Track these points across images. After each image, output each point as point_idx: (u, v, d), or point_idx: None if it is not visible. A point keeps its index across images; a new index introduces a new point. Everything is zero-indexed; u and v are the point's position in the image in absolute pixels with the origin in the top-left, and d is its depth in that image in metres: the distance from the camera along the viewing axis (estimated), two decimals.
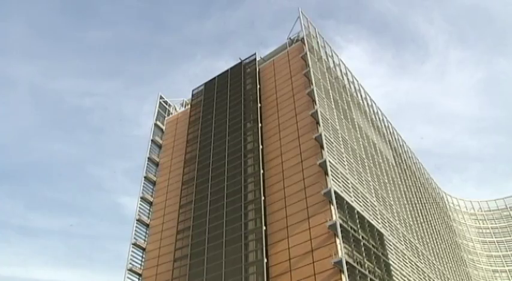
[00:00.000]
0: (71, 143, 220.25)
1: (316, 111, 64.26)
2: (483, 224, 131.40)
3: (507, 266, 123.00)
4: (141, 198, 77.50)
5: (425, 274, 75.78)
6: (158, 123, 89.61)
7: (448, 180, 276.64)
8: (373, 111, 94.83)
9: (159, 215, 75.18)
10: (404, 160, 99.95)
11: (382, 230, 65.24)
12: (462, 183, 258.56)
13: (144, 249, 71.99)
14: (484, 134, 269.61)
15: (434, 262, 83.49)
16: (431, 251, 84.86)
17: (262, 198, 61.27)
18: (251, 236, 59.30)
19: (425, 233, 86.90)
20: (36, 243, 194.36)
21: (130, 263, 69.54)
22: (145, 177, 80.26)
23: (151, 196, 78.69)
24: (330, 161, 58.51)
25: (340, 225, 52.58)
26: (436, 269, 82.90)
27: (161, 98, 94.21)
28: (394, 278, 61.82)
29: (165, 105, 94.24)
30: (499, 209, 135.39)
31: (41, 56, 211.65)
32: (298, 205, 58.03)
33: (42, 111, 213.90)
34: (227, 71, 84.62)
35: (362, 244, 56.71)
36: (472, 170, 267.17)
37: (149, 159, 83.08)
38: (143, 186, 79.27)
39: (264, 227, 58.38)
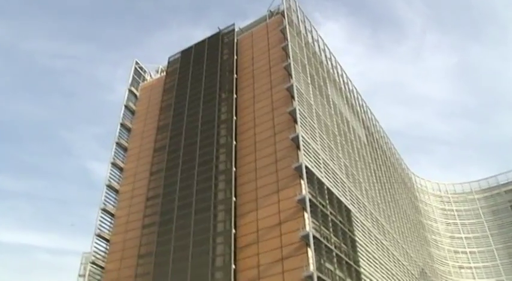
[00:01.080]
0: (41, 106, 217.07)
1: (292, 85, 64.25)
2: (448, 206, 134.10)
3: (468, 247, 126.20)
4: (112, 164, 76.98)
5: (390, 252, 77.38)
6: (132, 89, 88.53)
7: (416, 161, 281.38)
8: (349, 89, 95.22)
9: (129, 181, 74.92)
10: (376, 139, 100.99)
11: (350, 207, 66.18)
12: (429, 165, 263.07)
13: (113, 215, 71.80)
14: (453, 119, 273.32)
15: (399, 240, 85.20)
16: (396, 229, 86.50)
17: (234, 169, 61.46)
18: (220, 206, 59.54)
19: (392, 212, 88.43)
20: (1, 204, 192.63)
21: (98, 228, 69.34)
22: (117, 143, 79.56)
23: (122, 162, 78.22)
24: (302, 136, 58.80)
25: (309, 200, 53.14)
26: (400, 248, 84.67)
27: (136, 63, 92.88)
28: (359, 254, 62.99)
29: (140, 71, 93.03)
30: (464, 193, 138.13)
31: (12, 16, 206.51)
32: (269, 178, 58.41)
33: (13, 72, 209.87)
34: (205, 40, 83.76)
35: (330, 219, 57.49)
36: (440, 153, 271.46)
37: (122, 125, 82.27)
38: (114, 152, 78.62)
39: (233, 198, 58.64)
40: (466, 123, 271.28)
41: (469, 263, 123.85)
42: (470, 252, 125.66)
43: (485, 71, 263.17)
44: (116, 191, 74.49)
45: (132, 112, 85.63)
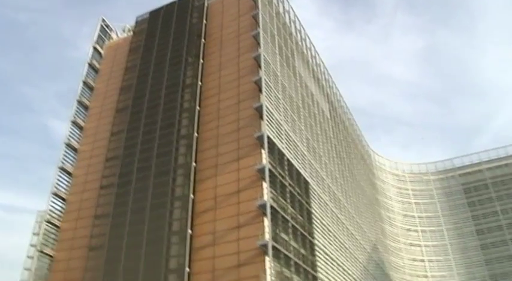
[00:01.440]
0: (2, 59, 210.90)
1: (259, 54, 63.85)
2: (404, 185, 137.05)
3: (420, 226, 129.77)
4: (72, 122, 75.58)
5: (344, 226, 78.86)
6: (97, 47, 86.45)
7: (377, 139, 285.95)
8: (316, 62, 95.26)
9: (89, 141, 73.80)
10: (339, 115, 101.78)
11: (309, 180, 66.91)
12: (389, 144, 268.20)
13: (70, 174, 70.84)
14: (416, 101, 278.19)
15: (354, 215, 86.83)
16: (352, 204, 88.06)
17: (195, 134, 61.12)
18: (180, 171, 59.32)
19: (349, 187, 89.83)
20: None
21: (55, 187, 68.41)
22: (78, 101, 78.01)
23: (83, 121, 76.88)
24: (266, 106, 58.71)
25: (269, 170, 53.42)
26: (355, 222, 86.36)
27: (103, 21, 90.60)
28: (314, 226, 64.01)
29: (106, 29, 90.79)
30: (421, 173, 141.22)
31: None
32: (230, 145, 58.34)
33: None
34: (174, 2, 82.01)
35: (288, 190, 58.05)
36: (400, 133, 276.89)
37: (84, 83, 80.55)
38: (75, 110, 77.12)
39: (193, 164, 58.50)
40: (428, 106, 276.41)
41: (420, 241, 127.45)
42: (421, 231, 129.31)
43: (451, 56, 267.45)
44: (75, 150, 73.40)
45: (96, 71, 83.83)
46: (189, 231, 53.45)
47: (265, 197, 51.24)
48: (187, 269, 50.97)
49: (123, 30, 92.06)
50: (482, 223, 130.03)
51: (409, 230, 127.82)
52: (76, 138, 74.79)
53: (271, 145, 56.79)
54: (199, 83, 67.33)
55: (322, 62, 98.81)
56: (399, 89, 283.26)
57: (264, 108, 57.85)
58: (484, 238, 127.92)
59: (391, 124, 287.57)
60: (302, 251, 57.55)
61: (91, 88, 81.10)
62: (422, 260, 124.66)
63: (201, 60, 70.09)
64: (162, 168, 59.96)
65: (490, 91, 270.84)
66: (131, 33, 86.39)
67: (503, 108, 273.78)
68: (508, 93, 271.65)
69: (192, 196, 56.03)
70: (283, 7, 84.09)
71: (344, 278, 71.54)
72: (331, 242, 69.71)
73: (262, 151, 54.72)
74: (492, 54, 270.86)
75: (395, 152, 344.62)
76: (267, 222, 49.89)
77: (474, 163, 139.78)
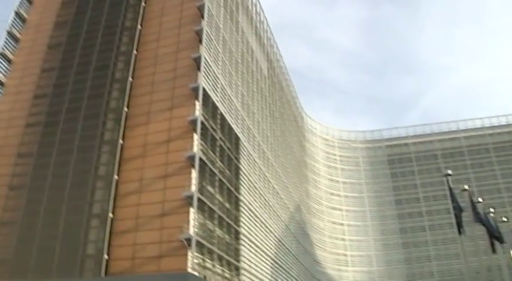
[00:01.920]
0: None
1: (203, 4, 62.29)
2: (332, 150, 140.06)
3: (343, 191, 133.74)
4: (0, 54, 71.95)
5: (271, 184, 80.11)
6: None
7: (311, 103, 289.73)
8: (259, 19, 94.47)
9: (16, 76, 70.29)
10: (277, 75, 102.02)
11: (240, 135, 67.17)
12: (323, 109, 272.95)
13: None
14: (354, 70, 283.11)
15: (281, 174, 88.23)
16: (280, 164, 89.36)
17: (130, 79, 59.57)
18: (111, 115, 57.79)
19: (279, 147, 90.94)
20: None
21: None
22: (8, 32, 74.16)
23: (12, 54, 73.30)
24: (205, 58, 57.88)
25: (201, 122, 53.12)
26: (281, 182, 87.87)
27: None
28: (241, 181, 64.66)
29: None
30: (350, 140, 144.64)
31: None
32: (165, 94, 57.22)
33: None
34: None
35: (218, 144, 58.10)
36: (334, 100, 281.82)
37: (16, 13, 76.39)
38: (4, 41, 73.34)
39: (125, 109, 57.24)
40: (364, 76, 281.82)
41: (341, 205, 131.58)
42: (344, 196, 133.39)
43: (391, 31, 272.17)
44: (2, 84, 70.12)
45: (30, 1, 79.55)
46: (116, 177, 52.74)
47: (195, 149, 51.06)
48: (110, 214, 50.48)
49: None
50: (402, 194, 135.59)
51: (332, 194, 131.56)
52: (3, 72, 71.30)
53: (206, 97, 56.34)
54: (139, 26, 65.32)
55: (266, 20, 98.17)
56: (338, 57, 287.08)
57: (203, 59, 57.02)
58: (401, 208, 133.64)
59: (326, 90, 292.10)
60: (227, 205, 58.17)
61: (23, 20, 77.05)
62: (342, 224, 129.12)
63: (143, 3, 67.87)
64: (92, 110, 58.17)
65: (423, 70, 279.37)
66: None
67: (433, 88, 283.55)
68: (439, 74, 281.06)
69: (121, 141, 55.04)
70: None
71: (266, 234, 73.12)
72: (256, 199, 70.79)
73: (196, 103, 54.17)
74: (430, 35, 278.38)
75: (327, 118, 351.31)
76: (194, 174, 49.88)
77: (401, 136, 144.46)
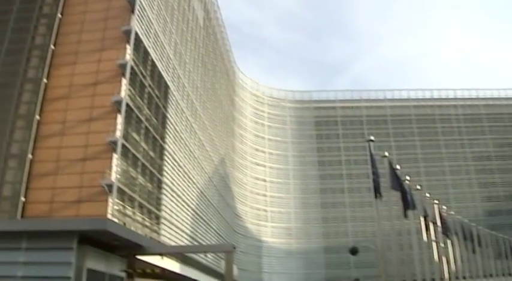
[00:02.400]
0: None
1: None
2: (261, 107, 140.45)
3: (268, 148, 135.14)
4: None
5: (197, 136, 79.73)
6: None
7: (244, 58, 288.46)
8: None
9: None
10: (213, 26, 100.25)
11: (170, 84, 66.02)
12: (255, 65, 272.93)
13: None
14: (290, 30, 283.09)
15: (208, 126, 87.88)
16: (208, 116, 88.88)
17: (59, 15, 56.27)
18: (36, 52, 54.81)
19: (208, 99, 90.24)
20: None
21: None
22: None
23: None
24: (139, 0, 55.89)
25: (131, 67, 51.75)
26: (208, 134, 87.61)
27: None
28: (167, 131, 63.95)
29: None
30: (279, 99, 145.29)
31: None
32: (95, 34, 54.56)
33: None
34: None
35: (147, 91, 56.89)
36: (268, 57, 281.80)
37: None
38: None
39: (52, 46, 54.52)
40: (299, 37, 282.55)
41: (265, 162, 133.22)
42: (269, 153, 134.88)
43: None
44: None
45: None
46: (37, 117, 50.78)
47: (122, 94, 49.78)
48: (30, 156, 48.86)
49: None
50: (325, 156, 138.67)
51: (257, 150, 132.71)
52: None
53: (138, 42, 54.63)
54: None
55: None
56: (277, 15, 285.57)
57: (137, 2, 54.91)
58: (323, 169, 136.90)
59: (260, 47, 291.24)
60: (151, 153, 57.52)
61: None
62: (264, 180, 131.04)
63: None
64: (16, 45, 55.00)
65: (357, 36, 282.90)
66: None
67: (365, 55, 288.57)
68: (372, 43, 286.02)
69: (45, 80, 52.67)
70: None
71: (188, 185, 73.15)
72: (181, 149, 70.36)
73: (127, 46, 52.42)
74: (369, 2, 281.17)
75: (259, 75, 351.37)
76: (120, 119, 48.79)
77: (330, 99, 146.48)
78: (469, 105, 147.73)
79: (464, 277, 64.82)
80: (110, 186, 45.54)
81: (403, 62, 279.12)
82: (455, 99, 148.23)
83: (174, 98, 67.49)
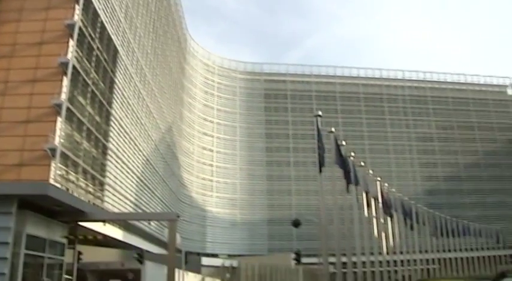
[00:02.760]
0: None
1: None
2: (211, 76, 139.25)
3: (216, 118, 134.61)
4: None
5: (145, 102, 78.46)
6: None
7: (196, 26, 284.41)
8: None
9: None
10: None
11: (119, 48, 64.37)
12: (207, 34, 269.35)
13: None
14: (245, 1, 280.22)
15: (157, 93, 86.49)
16: (157, 83, 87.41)
17: None
18: None
19: (158, 65, 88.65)
20: None
21: None
22: None
23: None
24: None
25: (79, 27, 49.96)
26: (156, 101, 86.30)
27: None
28: (114, 96, 62.60)
29: None
30: (230, 69, 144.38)
31: None
32: None
33: None
34: None
35: (95, 54, 55.20)
36: (220, 27, 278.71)
37: None
38: None
39: None
40: (254, 9, 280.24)
41: (213, 132, 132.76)
42: (217, 123, 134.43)
43: None
44: None
45: None
46: None
47: (69, 56, 48.04)
48: None
49: None
50: (273, 129, 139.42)
51: (205, 119, 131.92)
52: None
53: (87, 2, 52.57)
54: None
55: None
56: None
57: None
58: (270, 142, 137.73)
59: (213, 15, 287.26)
60: (97, 118, 56.18)
61: None
62: (211, 150, 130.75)
63: None
64: None
65: (314, 14, 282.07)
66: None
67: (319, 33, 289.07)
68: (329, 22, 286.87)
69: None
70: None
71: (134, 152, 72.11)
72: (128, 115, 69.09)
73: (76, 6, 50.42)
74: None
75: (211, 44, 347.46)
76: (66, 82, 47.21)
77: (281, 72, 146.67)
78: (415, 87, 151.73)
79: (401, 252, 66.98)
80: (53, 150, 44.27)
81: (358, 42, 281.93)
82: (403, 80, 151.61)
83: (123, 62, 65.90)
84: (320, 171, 36.46)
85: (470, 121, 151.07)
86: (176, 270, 34.87)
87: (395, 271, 66.12)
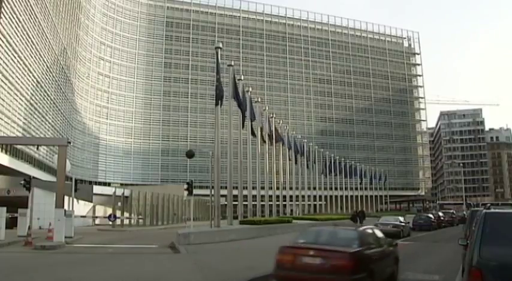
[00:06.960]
0: None
1: None
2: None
3: (114, 43, 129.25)
4: None
5: (37, 20, 73.78)
6: None
7: None
8: None
9: None
10: None
11: None
12: None
13: None
14: None
15: (51, 11, 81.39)
16: (52, 1, 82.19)
17: None
18: None
19: None
20: None
21: None
22: None
23: None
24: None
25: None
26: (50, 20, 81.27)
27: None
28: (3, 10, 58.53)
29: None
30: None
31: None
32: None
33: None
34: None
35: None
36: None
37: None
38: None
39: None
40: None
41: (110, 57, 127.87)
42: (115, 48, 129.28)
43: None
44: None
45: None
46: None
47: None
48: None
49: None
50: (173, 58, 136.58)
51: (102, 43, 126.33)
52: None
53: None
54: None
55: None
56: None
57: None
58: (169, 71, 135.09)
59: None
60: None
61: None
62: (108, 76, 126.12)
63: None
64: None
65: None
66: None
67: None
68: None
69: None
70: None
71: (24, 73, 68.08)
72: (18, 33, 64.76)
73: None
74: None
75: None
76: None
77: (185, 1, 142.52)
78: (318, 29, 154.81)
79: (291, 188, 69.51)
80: None
81: None
82: (306, 21, 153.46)
83: None
84: (217, 104, 36.43)
85: (367, 68, 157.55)
86: (66, 198, 34.05)
87: (284, 206, 68.80)
